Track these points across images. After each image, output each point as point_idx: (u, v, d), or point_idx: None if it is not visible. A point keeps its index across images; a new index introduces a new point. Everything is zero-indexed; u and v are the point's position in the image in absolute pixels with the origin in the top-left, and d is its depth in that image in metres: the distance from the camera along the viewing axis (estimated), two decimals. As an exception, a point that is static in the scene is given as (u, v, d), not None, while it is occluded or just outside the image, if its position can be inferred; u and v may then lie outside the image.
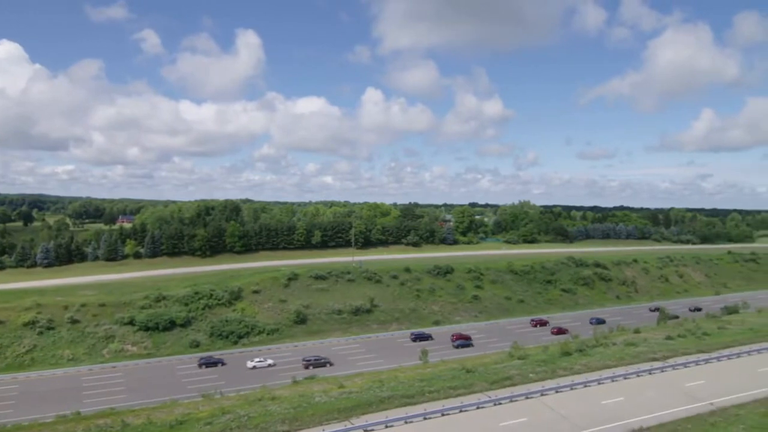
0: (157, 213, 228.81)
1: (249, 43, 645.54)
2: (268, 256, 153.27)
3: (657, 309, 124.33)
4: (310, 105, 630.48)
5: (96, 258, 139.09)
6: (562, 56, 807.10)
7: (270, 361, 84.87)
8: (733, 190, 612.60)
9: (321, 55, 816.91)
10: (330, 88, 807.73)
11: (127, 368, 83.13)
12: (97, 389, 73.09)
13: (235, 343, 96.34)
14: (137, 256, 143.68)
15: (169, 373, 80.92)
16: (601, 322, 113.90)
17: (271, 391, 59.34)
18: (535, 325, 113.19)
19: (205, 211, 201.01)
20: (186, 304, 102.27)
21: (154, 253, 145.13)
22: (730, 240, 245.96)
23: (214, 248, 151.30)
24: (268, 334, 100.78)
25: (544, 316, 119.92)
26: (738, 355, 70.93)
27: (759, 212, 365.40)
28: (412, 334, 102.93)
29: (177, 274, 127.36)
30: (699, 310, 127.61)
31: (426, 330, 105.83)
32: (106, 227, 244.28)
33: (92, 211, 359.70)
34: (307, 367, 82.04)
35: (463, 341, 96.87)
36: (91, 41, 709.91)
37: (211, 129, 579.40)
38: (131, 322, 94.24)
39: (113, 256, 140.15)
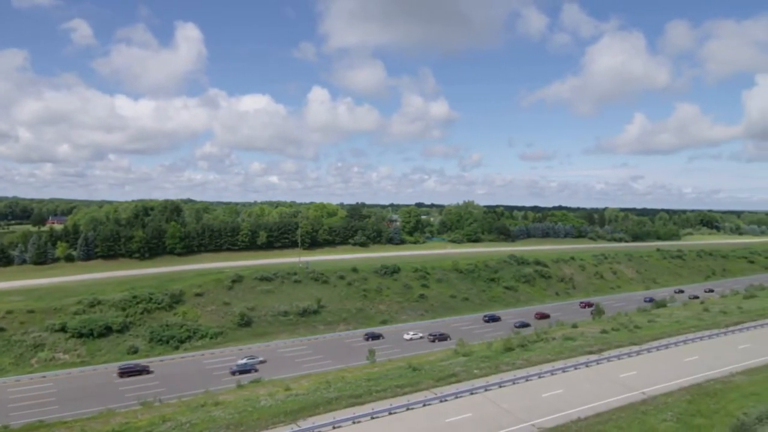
0: (90, 213, 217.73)
1: (189, 36, 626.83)
2: (211, 258, 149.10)
3: (681, 291, 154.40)
4: (255, 103, 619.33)
5: (23, 261, 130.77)
6: (505, 59, 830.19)
7: (420, 334, 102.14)
8: (661, 190, 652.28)
9: (265, 51, 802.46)
10: (275, 85, 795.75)
11: (58, 378, 78.63)
12: (26, 401, 68.62)
13: (177, 348, 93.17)
14: (69, 259, 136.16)
15: (106, 381, 77.19)
16: (650, 300, 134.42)
17: (215, 396, 57.91)
18: (584, 307, 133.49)
19: (144, 211, 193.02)
20: (123, 309, 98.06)
21: (88, 256, 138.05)
22: (659, 238, 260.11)
23: (153, 250, 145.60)
24: (211, 337, 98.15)
25: (591, 299, 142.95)
26: (666, 346, 75.32)
27: (684, 212, 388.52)
28: (485, 316, 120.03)
29: (113, 277, 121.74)
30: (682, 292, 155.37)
31: (497, 313, 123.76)
32: (35, 229, 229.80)
33: (19, 211, 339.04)
34: (433, 341, 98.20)
35: (523, 321, 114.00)
36: (15, 30, 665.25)
37: (150, 126, 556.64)
38: (63, 329, 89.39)
39: (42, 259, 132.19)
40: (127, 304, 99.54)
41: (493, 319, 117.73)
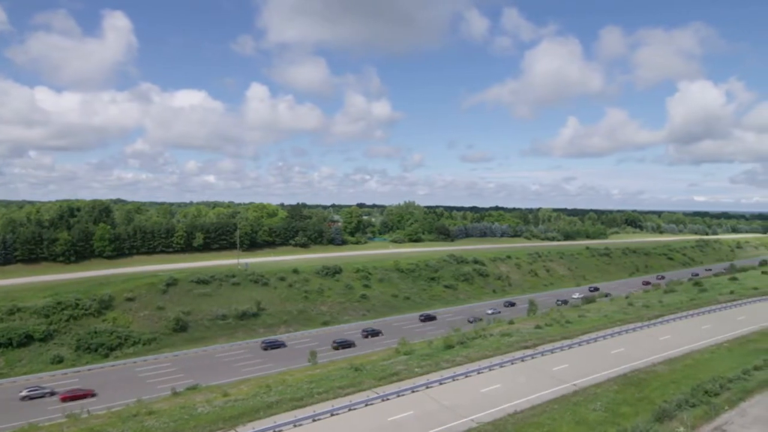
0: (9, 215, 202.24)
1: (117, 25, 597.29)
2: (144, 261, 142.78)
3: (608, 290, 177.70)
4: (190, 98, 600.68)
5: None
6: (448, 61, 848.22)
7: (583, 295, 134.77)
8: (591, 192, 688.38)
9: (201, 44, 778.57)
10: (212, 81, 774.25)
11: (-28, 392, 72.86)
12: (-67, 419, 63.12)
13: (106, 356, 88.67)
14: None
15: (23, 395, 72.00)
16: (695, 275, 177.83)
17: (148, 405, 55.50)
18: (646, 284, 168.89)
19: (69, 212, 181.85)
20: (46, 316, 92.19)
21: (6, 260, 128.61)
22: (588, 237, 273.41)
23: (80, 253, 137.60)
24: (144, 344, 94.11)
25: (649, 277, 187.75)
26: (595, 339, 79.24)
27: (611, 212, 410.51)
28: (590, 287, 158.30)
29: (35, 282, 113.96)
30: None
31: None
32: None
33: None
34: (559, 304, 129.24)
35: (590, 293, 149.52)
36: None
37: (74, 120, 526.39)
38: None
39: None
40: (50, 310, 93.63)
41: (594, 289, 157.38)
